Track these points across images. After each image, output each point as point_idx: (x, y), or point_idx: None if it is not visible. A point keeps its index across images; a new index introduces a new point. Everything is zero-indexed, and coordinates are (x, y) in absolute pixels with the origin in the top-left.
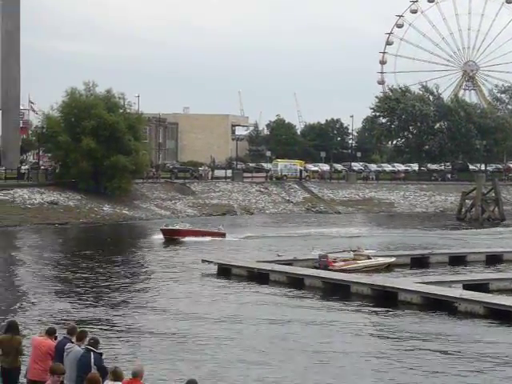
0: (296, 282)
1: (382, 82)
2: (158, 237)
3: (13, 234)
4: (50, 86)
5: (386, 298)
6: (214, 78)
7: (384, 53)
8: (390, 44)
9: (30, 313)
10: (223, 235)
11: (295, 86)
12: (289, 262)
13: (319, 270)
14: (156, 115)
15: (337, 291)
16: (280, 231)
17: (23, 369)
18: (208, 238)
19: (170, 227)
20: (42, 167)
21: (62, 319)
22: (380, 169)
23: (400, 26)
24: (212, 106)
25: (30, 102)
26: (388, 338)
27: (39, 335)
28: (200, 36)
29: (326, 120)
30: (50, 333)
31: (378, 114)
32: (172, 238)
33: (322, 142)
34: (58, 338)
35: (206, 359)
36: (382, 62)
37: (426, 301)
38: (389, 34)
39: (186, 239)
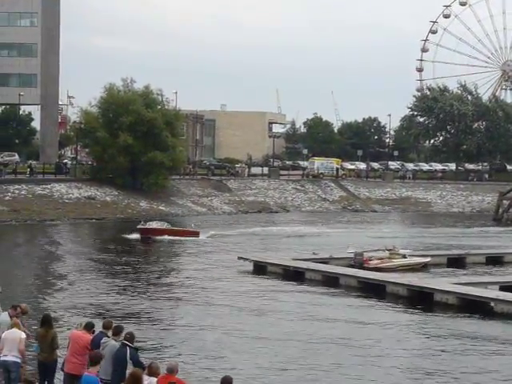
0: (331, 281)
1: (420, 90)
2: (134, 236)
3: (50, 229)
4: (89, 82)
5: (422, 299)
6: (251, 75)
7: (421, 60)
8: (426, 51)
9: (66, 306)
10: (197, 234)
11: (333, 84)
12: (324, 261)
13: (355, 269)
14: (193, 112)
15: (372, 291)
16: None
17: (60, 362)
18: (182, 237)
19: (146, 226)
20: (90, 162)
21: (100, 314)
22: (417, 168)
23: (434, 32)
24: (249, 103)
25: (69, 96)
26: (426, 338)
27: (77, 329)
28: (238, 33)
29: (364, 118)
30: (89, 327)
31: (415, 113)
32: (147, 236)
33: (359, 141)
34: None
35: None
36: (420, 70)
37: (462, 302)
38: (424, 40)
39: (161, 238)
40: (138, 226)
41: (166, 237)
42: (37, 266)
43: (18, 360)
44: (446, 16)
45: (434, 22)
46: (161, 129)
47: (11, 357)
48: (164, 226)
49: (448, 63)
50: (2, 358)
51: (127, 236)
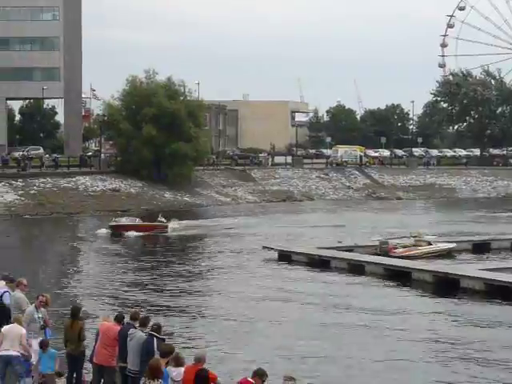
0: (357, 269)
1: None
2: (102, 231)
3: (75, 222)
4: (111, 75)
5: (448, 285)
6: (273, 64)
7: (443, 56)
8: (446, 46)
9: (88, 298)
10: (165, 227)
11: (355, 72)
12: (349, 249)
13: (380, 257)
14: (216, 102)
15: (398, 278)
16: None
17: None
18: (151, 232)
19: (117, 223)
20: (114, 155)
21: (129, 306)
22: (441, 154)
23: (452, 26)
24: (272, 92)
25: (92, 89)
26: (455, 326)
27: (105, 320)
28: (260, 23)
29: (387, 105)
30: (119, 319)
31: (438, 98)
32: (119, 232)
33: (383, 128)
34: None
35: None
36: (442, 65)
37: (489, 288)
38: (443, 35)
39: (130, 233)
40: (110, 223)
41: (137, 233)
42: (61, 260)
43: (20, 354)
44: (462, 8)
45: (451, 16)
46: (184, 120)
47: (13, 351)
48: (136, 221)
49: (470, 55)
50: (5, 353)
51: (97, 232)
